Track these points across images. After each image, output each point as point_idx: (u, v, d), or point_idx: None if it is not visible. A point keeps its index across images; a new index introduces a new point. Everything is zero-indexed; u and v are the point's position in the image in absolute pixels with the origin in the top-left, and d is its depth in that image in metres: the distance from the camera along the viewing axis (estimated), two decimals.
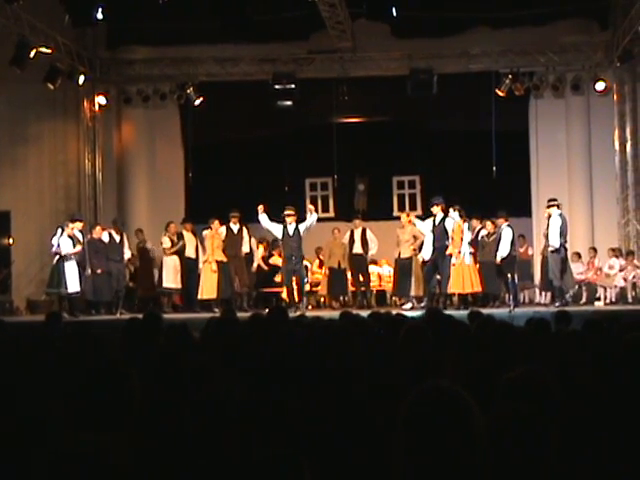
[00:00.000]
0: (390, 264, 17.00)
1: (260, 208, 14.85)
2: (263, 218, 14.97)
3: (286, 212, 14.95)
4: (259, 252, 16.91)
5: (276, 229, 15.07)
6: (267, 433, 2.83)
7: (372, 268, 17.01)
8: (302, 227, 14.93)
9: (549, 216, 14.75)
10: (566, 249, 14.71)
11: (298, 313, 11.75)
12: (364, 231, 16.31)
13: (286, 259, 15.11)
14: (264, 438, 2.78)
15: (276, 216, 15.16)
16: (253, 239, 16.40)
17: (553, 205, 14.73)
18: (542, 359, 4.23)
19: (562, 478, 2.39)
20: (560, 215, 14.57)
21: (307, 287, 16.47)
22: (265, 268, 17.00)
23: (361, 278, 16.40)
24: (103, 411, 2.79)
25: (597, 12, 17.04)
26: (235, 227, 15.78)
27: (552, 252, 14.42)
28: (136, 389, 2.90)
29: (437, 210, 14.89)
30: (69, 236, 14.69)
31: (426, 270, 15.16)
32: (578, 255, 16.25)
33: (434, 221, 14.95)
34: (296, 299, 15.04)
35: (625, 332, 5.34)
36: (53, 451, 1.59)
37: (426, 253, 15.07)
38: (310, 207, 15.40)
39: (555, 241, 14.36)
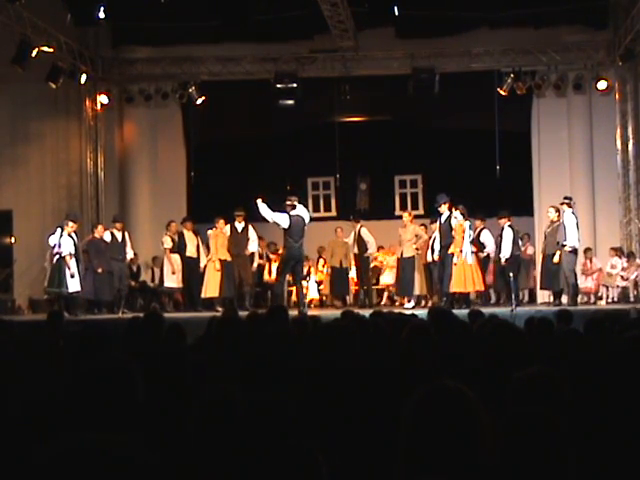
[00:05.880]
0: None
1: (259, 200, 13.83)
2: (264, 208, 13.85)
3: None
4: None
5: (282, 218, 13.98)
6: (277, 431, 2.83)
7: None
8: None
9: (557, 211, 14.67)
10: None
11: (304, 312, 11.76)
12: (359, 231, 16.35)
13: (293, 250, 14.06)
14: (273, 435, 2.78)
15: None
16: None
17: (566, 203, 14.62)
18: (545, 358, 4.23)
19: (571, 477, 2.39)
20: (573, 213, 14.53)
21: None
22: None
23: (361, 277, 16.49)
24: (105, 411, 2.79)
25: (599, 11, 17.03)
26: (240, 226, 15.76)
27: (570, 252, 14.34)
28: (139, 389, 2.90)
29: (444, 209, 14.74)
30: (69, 235, 14.66)
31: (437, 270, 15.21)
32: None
33: (439, 220, 14.90)
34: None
35: (627, 331, 5.35)
36: (58, 450, 1.59)
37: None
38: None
39: (574, 241, 14.31)
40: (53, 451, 1.59)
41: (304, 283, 16.75)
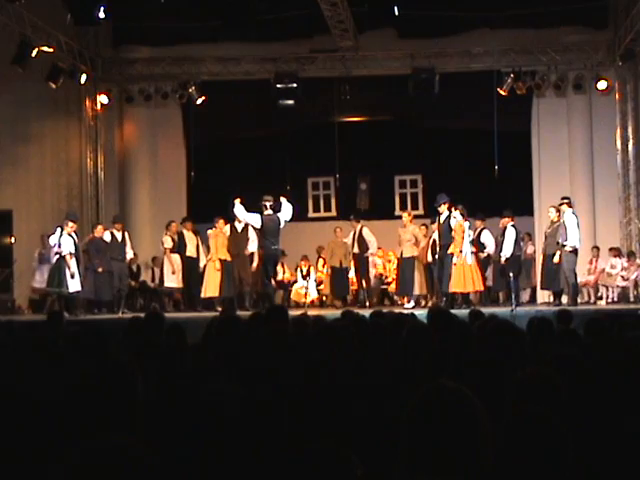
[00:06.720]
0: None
1: (237, 200, 14.38)
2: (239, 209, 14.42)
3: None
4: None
5: (254, 219, 14.55)
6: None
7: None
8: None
9: (558, 211, 14.69)
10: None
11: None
12: (360, 230, 16.37)
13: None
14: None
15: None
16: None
17: (566, 203, 14.65)
18: (545, 358, 4.22)
19: (572, 477, 2.39)
20: (573, 213, 14.54)
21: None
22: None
23: (360, 277, 16.51)
24: (105, 410, 2.79)
25: (599, 11, 17.03)
26: (240, 226, 15.74)
27: (570, 252, 14.35)
28: (139, 389, 2.90)
29: (444, 209, 14.74)
30: (69, 235, 14.64)
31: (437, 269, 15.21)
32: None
33: (439, 220, 14.89)
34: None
35: (626, 331, 5.35)
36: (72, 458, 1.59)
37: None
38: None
39: (574, 241, 14.32)
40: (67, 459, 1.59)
41: (304, 282, 16.82)
